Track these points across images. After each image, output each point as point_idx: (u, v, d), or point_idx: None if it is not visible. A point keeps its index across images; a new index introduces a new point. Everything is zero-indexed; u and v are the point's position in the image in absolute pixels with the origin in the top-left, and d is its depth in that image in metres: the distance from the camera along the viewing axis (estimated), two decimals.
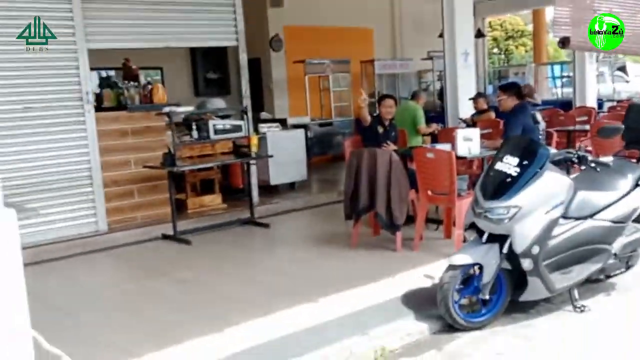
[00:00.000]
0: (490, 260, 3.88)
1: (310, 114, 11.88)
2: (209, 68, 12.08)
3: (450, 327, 3.93)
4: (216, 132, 6.98)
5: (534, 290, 3.97)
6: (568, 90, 15.01)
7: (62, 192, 6.42)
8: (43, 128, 6.29)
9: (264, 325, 3.90)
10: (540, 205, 3.85)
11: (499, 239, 3.92)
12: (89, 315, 4.45)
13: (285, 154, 8.47)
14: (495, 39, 28.60)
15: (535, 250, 3.84)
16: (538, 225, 3.84)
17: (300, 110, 11.79)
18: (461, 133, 5.84)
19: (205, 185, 7.84)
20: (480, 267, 3.91)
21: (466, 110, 8.67)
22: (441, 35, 8.83)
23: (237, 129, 7.13)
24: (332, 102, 12.51)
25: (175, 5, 7.17)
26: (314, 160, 10.60)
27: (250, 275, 5.21)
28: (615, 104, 13.11)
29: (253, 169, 7.71)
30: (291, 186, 8.92)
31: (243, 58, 7.81)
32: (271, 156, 7.76)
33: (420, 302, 4.20)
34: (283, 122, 9.84)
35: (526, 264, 3.87)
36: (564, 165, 4.36)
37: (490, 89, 15.95)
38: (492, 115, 8.72)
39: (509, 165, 3.95)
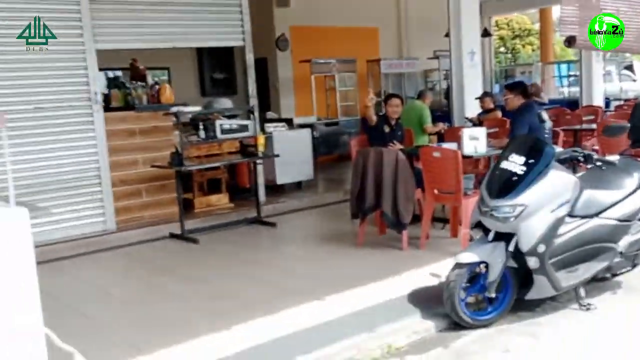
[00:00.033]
0: (496, 258, 3.89)
1: (317, 113, 11.92)
2: (215, 68, 12.13)
3: (457, 325, 3.94)
4: (223, 131, 7.02)
5: (540, 288, 3.98)
6: (575, 89, 14.96)
7: (71, 192, 6.50)
8: (52, 128, 6.37)
9: (271, 322, 3.93)
10: (546, 204, 3.87)
11: (505, 237, 3.93)
12: (98, 313, 4.50)
13: (292, 154, 8.50)
14: (501, 38, 28.55)
15: (541, 248, 3.85)
16: (544, 223, 3.85)
17: (307, 110, 11.83)
18: (467, 132, 5.86)
19: (212, 185, 7.89)
20: (487, 266, 3.92)
21: (473, 109, 8.68)
22: (447, 35, 8.84)
23: (244, 128, 7.17)
24: (338, 102, 12.53)
25: (182, 5, 7.23)
26: (320, 159, 10.63)
27: (258, 274, 5.25)
28: (622, 102, 13.08)
29: (260, 168, 7.75)
30: (297, 185, 8.96)
31: (250, 58, 7.86)
32: (277, 156, 7.79)
33: (427, 300, 4.22)
34: (289, 122, 9.89)
35: (532, 262, 3.88)
36: (570, 164, 4.38)
37: (496, 88, 15.94)
38: (499, 114, 8.72)
39: (515, 163, 3.96)
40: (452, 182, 5.34)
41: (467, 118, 8.50)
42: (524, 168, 3.93)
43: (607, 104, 12.79)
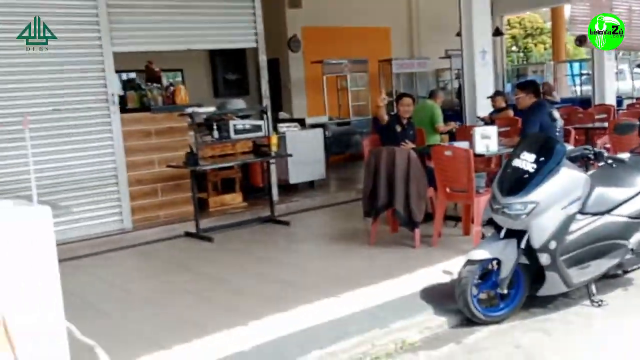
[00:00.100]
0: (508, 255, 3.94)
1: (328, 113, 11.98)
2: (228, 69, 12.23)
3: (469, 321, 3.99)
4: (236, 132, 7.12)
5: (552, 285, 4.02)
6: (587, 88, 14.92)
7: (88, 191, 6.63)
8: (70, 129, 6.50)
9: (287, 318, 4.01)
10: (557, 201, 3.91)
11: (516, 234, 3.98)
12: (117, 310, 4.61)
13: (304, 153, 8.58)
14: (513, 37, 28.47)
15: (553, 245, 3.90)
16: (555, 220, 3.90)
17: (318, 110, 11.90)
18: (479, 131, 5.90)
19: (226, 184, 7.98)
20: (499, 262, 3.97)
21: (484, 108, 8.70)
22: (459, 34, 8.86)
23: (257, 128, 7.26)
24: (349, 102, 12.59)
25: (197, 8, 7.34)
26: (332, 159, 10.70)
27: (272, 272, 5.33)
28: (634, 101, 13.02)
29: (273, 168, 7.83)
30: (310, 185, 9.03)
31: (263, 59, 7.94)
32: (290, 155, 7.87)
33: (439, 297, 4.27)
34: (301, 122, 9.95)
35: (544, 259, 3.92)
36: (582, 162, 4.41)
37: (508, 87, 15.91)
38: (511, 113, 8.73)
39: (526, 161, 4.01)
40: (464, 181, 5.39)
41: (479, 117, 8.53)
42: (535, 166, 3.98)
43: (620, 103, 12.74)
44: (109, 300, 4.87)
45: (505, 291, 3.98)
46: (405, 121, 6.66)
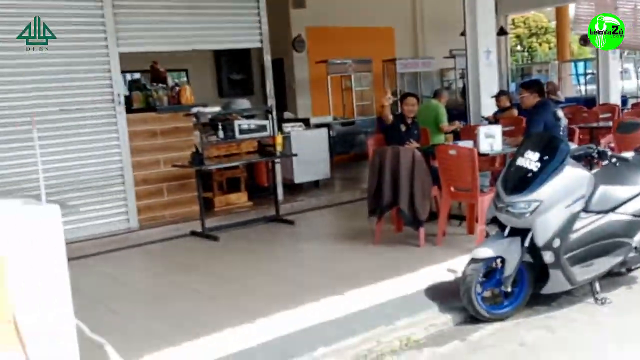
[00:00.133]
0: (512, 253, 3.97)
1: (333, 113, 12.02)
2: (232, 69, 12.29)
3: (473, 319, 4.02)
4: (241, 131, 7.16)
5: (556, 282, 4.04)
6: (592, 87, 14.91)
7: (95, 191, 6.68)
8: (77, 129, 6.56)
9: (293, 316, 4.05)
10: (561, 200, 3.93)
11: (520, 232, 4.00)
12: (125, 307, 4.65)
13: (309, 153, 8.61)
14: (518, 36, 28.44)
15: (556, 243, 3.92)
16: (559, 218, 3.92)
17: (323, 110, 11.94)
18: (483, 130, 5.92)
19: (232, 184, 8.02)
20: (503, 260, 3.99)
21: (489, 108, 8.72)
22: (463, 34, 8.88)
23: (262, 128, 7.30)
24: (354, 102, 12.63)
25: (202, 9, 7.38)
26: (336, 159, 10.73)
27: (277, 270, 5.37)
28: (639, 100, 13.01)
29: (278, 167, 7.87)
30: (315, 184, 9.07)
31: (267, 60, 7.98)
32: (295, 155, 7.91)
33: (444, 294, 4.30)
34: (306, 122, 9.99)
35: (547, 256, 3.94)
36: (587, 161, 4.43)
37: (513, 87, 15.92)
38: (515, 112, 8.74)
39: (530, 160, 4.03)
40: (468, 180, 5.41)
41: (483, 117, 8.54)
42: (539, 164, 4.00)
43: (625, 102, 12.73)
44: (117, 298, 4.91)
45: (509, 289, 4.01)
46: (409, 121, 6.69)
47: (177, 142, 7.26)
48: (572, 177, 4.02)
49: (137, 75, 10.18)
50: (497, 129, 5.97)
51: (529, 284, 4.11)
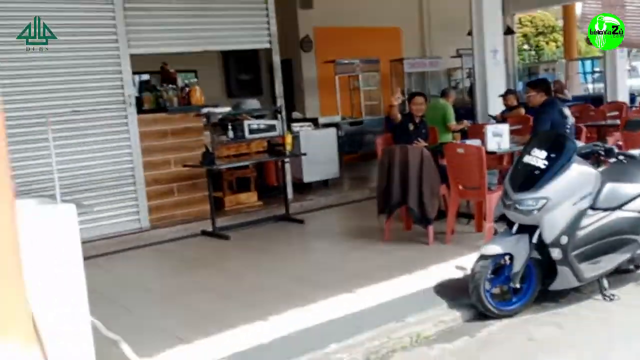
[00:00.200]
0: (520, 250, 4.01)
1: (341, 113, 12.07)
2: (241, 69, 12.36)
3: (482, 315, 4.06)
4: (251, 131, 7.23)
5: (564, 279, 4.08)
6: (599, 85, 14.89)
7: (106, 191, 6.76)
8: (89, 130, 6.64)
9: (304, 313, 4.11)
10: (569, 197, 3.97)
11: (528, 229, 4.05)
12: (139, 306, 4.72)
13: (318, 153, 8.67)
14: (525, 35, 28.38)
15: (564, 240, 3.96)
16: (566, 216, 3.96)
17: (331, 110, 11.99)
18: (490, 129, 5.97)
19: (242, 183, 8.09)
20: (511, 257, 4.03)
21: (496, 107, 8.75)
22: (470, 33, 8.92)
23: (272, 128, 7.36)
24: (362, 101, 12.66)
25: (211, 10, 7.45)
26: (345, 158, 10.77)
27: (288, 268, 5.42)
28: None
29: (287, 167, 7.94)
30: (324, 183, 9.13)
31: (276, 60, 8.05)
32: (304, 154, 7.97)
33: (453, 291, 4.35)
34: (315, 122, 10.05)
35: (555, 253, 3.99)
36: (594, 158, 4.47)
37: (520, 86, 15.91)
38: (522, 111, 8.76)
39: (538, 158, 4.07)
40: (477, 178, 5.45)
41: (490, 115, 8.58)
42: (547, 162, 4.04)
43: (632, 100, 12.72)
44: (131, 296, 4.98)
45: (518, 285, 4.05)
46: (417, 120, 6.74)
47: (188, 142, 7.33)
48: (579, 174, 4.06)
49: (147, 77, 10.27)
50: (504, 128, 6.01)
51: (537, 281, 4.15)
